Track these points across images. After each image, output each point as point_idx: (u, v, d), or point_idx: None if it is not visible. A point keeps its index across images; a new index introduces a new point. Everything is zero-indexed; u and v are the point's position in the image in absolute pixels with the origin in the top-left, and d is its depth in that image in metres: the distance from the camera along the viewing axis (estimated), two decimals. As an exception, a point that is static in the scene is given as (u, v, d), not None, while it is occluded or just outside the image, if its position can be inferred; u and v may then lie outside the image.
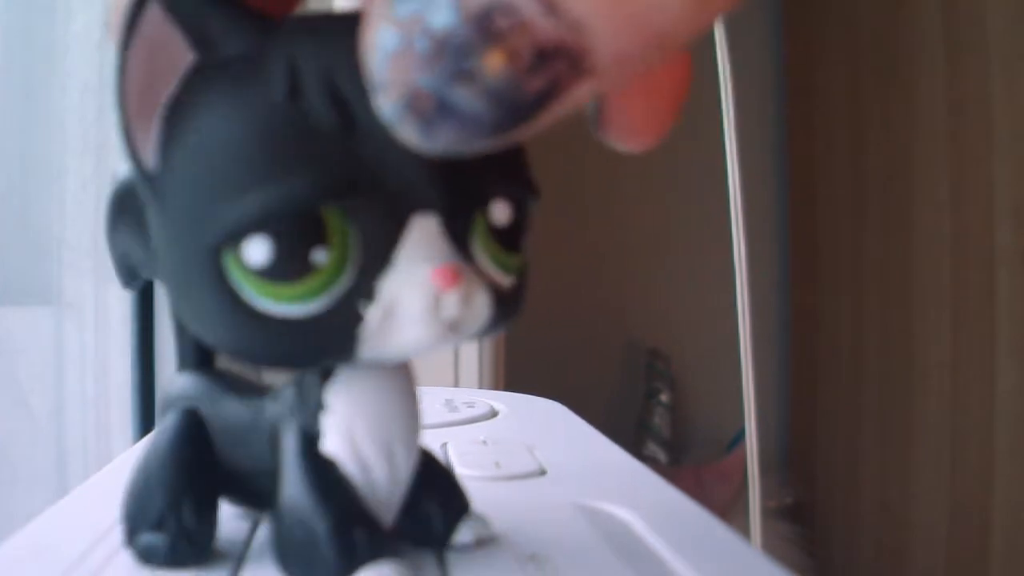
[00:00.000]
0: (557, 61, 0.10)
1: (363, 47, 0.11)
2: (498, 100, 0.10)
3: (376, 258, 0.12)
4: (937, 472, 0.88)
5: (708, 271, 0.88)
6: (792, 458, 1.15)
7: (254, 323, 0.12)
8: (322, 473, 0.14)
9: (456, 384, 0.58)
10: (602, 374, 1.14)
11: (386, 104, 0.11)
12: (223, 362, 0.18)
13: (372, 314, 0.12)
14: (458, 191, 0.12)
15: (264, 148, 0.12)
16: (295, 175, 0.12)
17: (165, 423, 0.16)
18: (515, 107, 0.10)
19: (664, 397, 1.11)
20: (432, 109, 0.10)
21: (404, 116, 0.11)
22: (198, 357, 0.17)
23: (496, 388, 0.59)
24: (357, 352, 0.12)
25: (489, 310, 0.13)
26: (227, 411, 0.16)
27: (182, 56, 0.12)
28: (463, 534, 0.16)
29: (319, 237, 0.12)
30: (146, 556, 0.15)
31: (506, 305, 0.13)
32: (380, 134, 0.11)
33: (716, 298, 0.74)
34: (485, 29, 0.10)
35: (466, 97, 0.10)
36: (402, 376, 0.15)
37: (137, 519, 0.15)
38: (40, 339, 0.54)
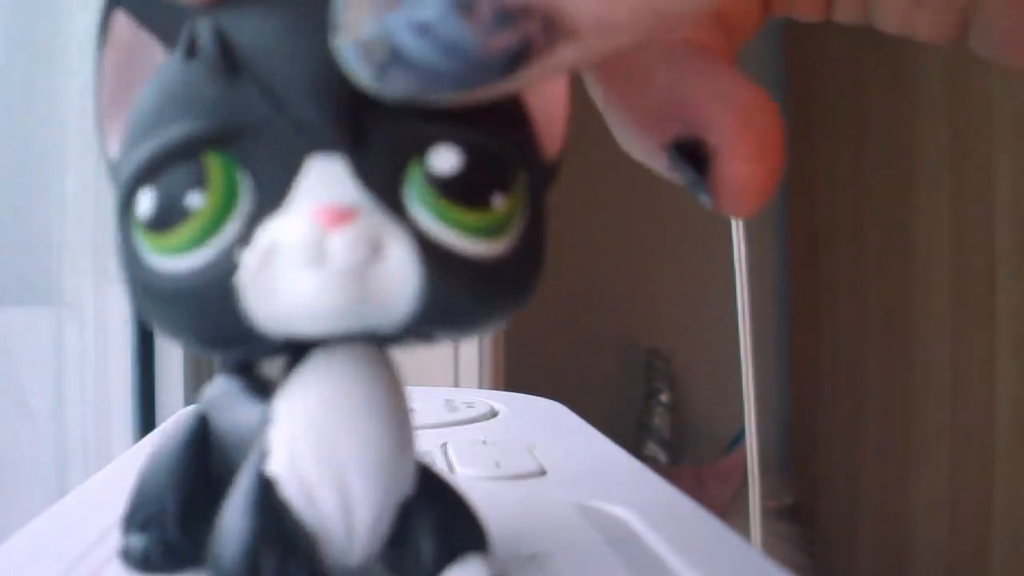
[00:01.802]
0: (526, 21, 0.10)
1: None
2: (455, 55, 0.10)
3: (267, 204, 0.11)
4: (937, 472, 0.88)
5: (708, 271, 0.88)
6: (792, 458, 1.15)
7: (150, 284, 0.12)
8: (259, 492, 0.12)
9: (456, 384, 0.58)
10: (602, 374, 1.14)
11: (341, 46, 0.10)
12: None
13: (248, 258, 0.11)
14: (375, 131, 0.11)
15: (157, 104, 0.12)
16: (173, 124, 0.11)
17: (177, 423, 0.16)
18: (477, 65, 0.10)
19: (664, 397, 1.11)
20: (385, 55, 0.10)
21: (358, 60, 0.10)
22: (239, 361, 0.17)
23: (496, 388, 0.59)
24: (242, 311, 0.11)
25: (416, 271, 0.11)
26: (236, 416, 0.15)
27: (157, 56, 0.12)
28: None
29: (195, 182, 0.11)
30: (124, 556, 0.15)
31: (489, 279, 0.12)
32: (271, 70, 0.11)
33: (716, 298, 0.74)
34: None
35: (421, 48, 0.10)
36: (375, 382, 0.13)
37: (130, 519, 0.15)
38: (40, 339, 0.54)
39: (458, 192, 0.11)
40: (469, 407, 0.32)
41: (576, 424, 0.30)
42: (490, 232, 0.12)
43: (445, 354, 0.58)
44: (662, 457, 1.09)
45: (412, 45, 0.10)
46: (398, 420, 0.13)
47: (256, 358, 0.14)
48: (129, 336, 0.54)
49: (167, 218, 0.11)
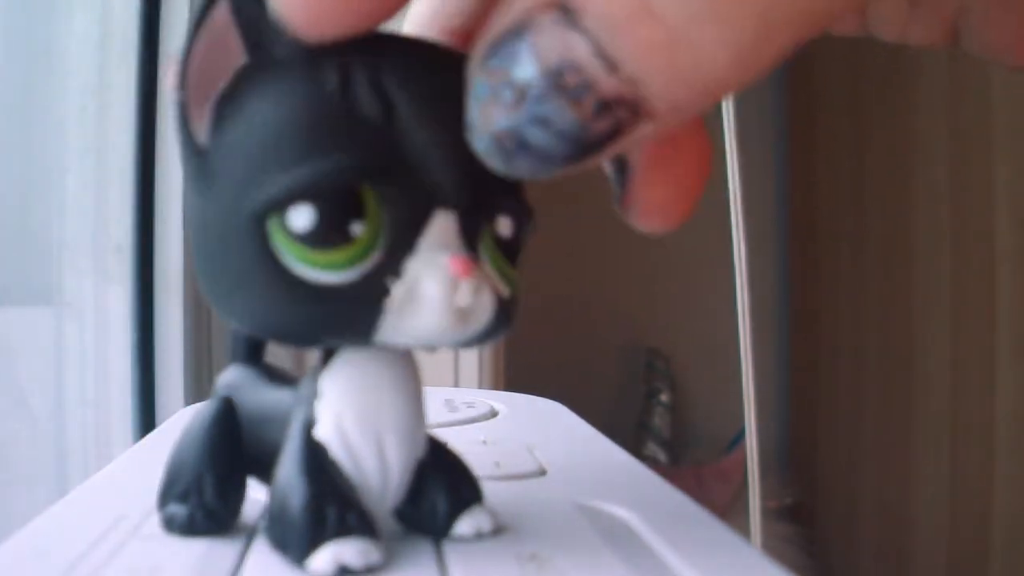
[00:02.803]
0: (618, 109, 0.12)
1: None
2: (567, 139, 0.12)
3: (402, 241, 0.13)
4: (937, 472, 0.88)
5: (708, 271, 0.88)
6: (792, 458, 1.15)
7: (290, 288, 0.13)
8: (310, 455, 0.15)
9: (456, 384, 0.58)
10: (602, 374, 1.14)
11: (476, 139, 0.13)
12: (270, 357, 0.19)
13: (397, 289, 0.13)
14: (475, 198, 0.14)
15: (314, 128, 0.13)
16: (342, 152, 0.13)
17: (203, 408, 0.18)
18: (582, 145, 0.12)
19: (664, 397, 1.11)
20: (513, 146, 0.12)
21: (491, 150, 0.13)
22: (248, 351, 0.19)
23: (496, 388, 0.59)
24: (378, 328, 0.14)
25: (493, 310, 0.14)
26: (259, 399, 0.17)
27: (236, 56, 0.13)
28: (462, 526, 0.16)
29: (358, 210, 0.13)
30: (168, 524, 0.17)
31: (504, 314, 0.15)
32: (417, 133, 0.13)
33: (716, 298, 0.74)
34: (557, 84, 0.12)
35: (541, 136, 0.12)
36: (401, 368, 0.16)
37: (167, 490, 0.17)
38: (40, 339, 0.54)
39: (509, 252, 0.15)
40: (469, 407, 0.32)
41: (576, 424, 0.30)
42: (512, 280, 0.15)
43: (445, 354, 0.58)
44: (662, 457, 1.09)
45: (534, 134, 0.12)
46: (417, 394, 0.16)
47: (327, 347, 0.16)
48: (129, 336, 0.54)
49: (328, 238, 0.13)
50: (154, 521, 0.17)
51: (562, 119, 0.12)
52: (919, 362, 0.91)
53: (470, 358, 0.59)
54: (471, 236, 0.14)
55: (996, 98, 0.79)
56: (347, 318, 0.14)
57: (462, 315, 0.14)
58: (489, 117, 0.12)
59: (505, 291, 0.15)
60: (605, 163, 0.17)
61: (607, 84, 0.12)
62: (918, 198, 0.91)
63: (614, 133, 0.12)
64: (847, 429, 1.04)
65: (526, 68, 0.12)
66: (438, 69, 0.14)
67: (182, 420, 0.22)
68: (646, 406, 1.11)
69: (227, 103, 0.14)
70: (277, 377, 0.18)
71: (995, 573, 0.79)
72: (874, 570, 0.97)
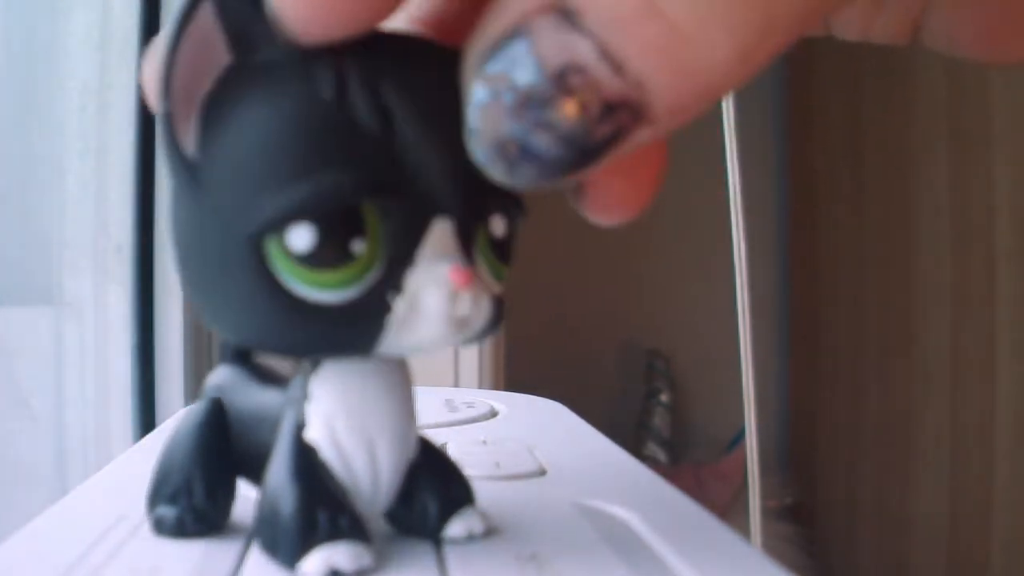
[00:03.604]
0: (622, 112, 0.12)
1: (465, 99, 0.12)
2: (571, 145, 0.12)
3: (402, 254, 0.13)
4: (937, 472, 0.88)
5: (708, 271, 0.88)
6: (792, 458, 1.15)
7: (290, 307, 0.13)
8: (301, 457, 0.15)
9: (456, 384, 0.58)
10: (602, 374, 1.14)
11: (478, 148, 0.12)
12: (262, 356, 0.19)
13: (399, 305, 0.13)
14: (470, 201, 0.14)
15: (311, 142, 0.13)
16: (342, 170, 0.13)
17: (192, 409, 0.18)
18: (585, 151, 0.12)
19: (664, 397, 1.11)
20: (516, 153, 0.12)
21: (493, 158, 0.12)
22: (238, 350, 0.19)
23: (496, 388, 0.59)
24: (380, 342, 0.13)
25: (490, 313, 0.14)
26: (248, 399, 0.17)
27: (220, 57, 0.13)
28: (454, 527, 0.16)
29: (359, 229, 0.13)
30: (157, 526, 0.17)
31: (498, 312, 0.15)
32: (414, 143, 0.13)
33: (716, 298, 0.74)
34: (562, 86, 0.11)
35: (545, 142, 0.12)
36: (391, 371, 0.15)
37: (156, 492, 0.17)
38: (40, 339, 0.54)
39: (502, 251, 0.15)
40: (469, 407, 0.32)
41: (576, 424, 0.30)
42: (502, 278, 0.15)
43: (445, 354, 0.58)
44: (662, 457, 1.09)
45: (538, 141, 0.12)
46: (408, 396, 0.16)
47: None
48: (129, 336, 0.54)
49: (329, 258, 0.13)
50: (154, 521, 0.17)
51: (567, 123, 0.12)
52: (919, 362, 0.91)
53: (470, 358, 0.59)
54: (467, 240, 0.14)
55: (996, 98, 0.79)
56: (349, 336, 0.13)
57: (461, 323, 0.14)
58: (492, 123, 0.12)
59: (496, 290, 0.15)
60: None
61: (612, 85, 0.11)
62: (918, 198, 0.91)
63: (615, 138, 0.12)
64: (847, 429, 1.04)
65: (528, 71, 0.12)
66: (433, 70, 0.13)
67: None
68: (646, 406, 1.11)
69: (214, 109, 0.13)
70: (267, 377, 0.18)
71: (995, 573, 0.79)
72: (874, 570, 0.97)
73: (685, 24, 0.11)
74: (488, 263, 0.14)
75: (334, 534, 0.14)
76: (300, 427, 0.15)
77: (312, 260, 0.13)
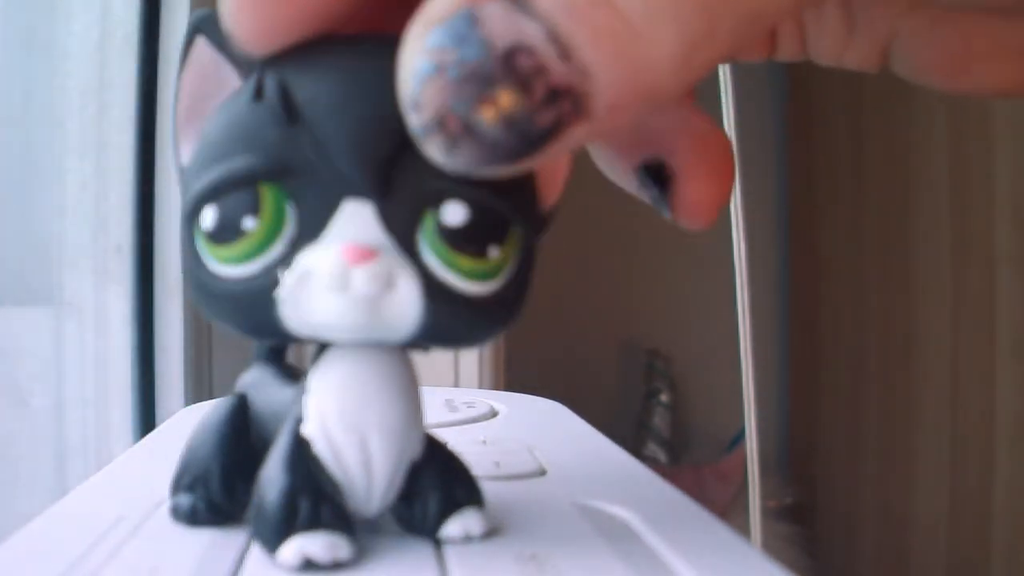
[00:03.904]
0: (564, 101, 0.12)
1: (399, 72, 0.12)
2: (512, 127, 0.12)
3: (306, 234, 0.14)
4: (937, 472, 0.88)
5: (708, 271, 0.88)
6: (792, 458, 1.15)
7: (208, 281, 0.14)
8: (294, 450, 0.15)
9: (456, 384, 0.58)
10: (602, 374, 1.14)
11: (416, 122, 0.12)
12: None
13: (287, 278, 0.14)
14: (399, 185, 0.14)
15: (226, 136, 0.14)
16: (238, 156, 0.14)
17: (219, 403, 0.19)
18: (527, 137, 0.12)
19: (664, 397, 1.11)
20: (457, 129, 0.12)
21: (432, 134, 0.12)
22: (268, 351, 0.20)
23: (496, 388, 0.59)
24: (279, 318, 0.14)
25: (420, 304, 0.14)
26: (269, 397, 0.18)
27: (231, 80, 0.15)
28: (451, 528, 0.16)
29: (251, 208, 0.14)
30: (174, 512, 0.17)
31: (479, 312, 0.14)
32: (322, 129, 0.14)
33: (716, 298, 0.74)
34: (508, 65, 0.12)
35: (486, 121, 0.12)
36: (391, 367, 0.15)
37: (178, 480, 0.18)
38: (40, 339, 0.54)
39: (461, 242, 0.14)
40: (469, 407, 0.32)
41: (576, 424, 0.30)
42: (484, 276, 0.14)
43: (445, 354, 0.58)
44: (662, 457, 1.09)
45: (479, 119, 0.12)
46: (409, 394, 0.16)
47: (290, 343, 0.17)
48: (129, 336, 0.54)
49: (226, 234, 0.14)
50: (154, 521, 0.17)
51: (510, 104, 0.12)
52: (919, 362, 0.91)
53: (470, 358, 0.59)
54: (403, 226, 0.14)
55: (996, 98, 0.79)
56: (247, 309, 0.14)
57: (368, 304, 0.13)
58: (434, 95, 0.12)
59: (472, 287, 0.14)
60: (642, 187, 0.18)
61: (559, 70, 0.11)
62: (918, 199, 0.91)
63: (554, 129, 0.12)
64: (847, 429, 1.04)
65: (475, 48, 0.12)
66: (354, 62, 0.14)
67: (182, 420, 0.22)
68: (646, 406, 1.11)
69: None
70: (293, 376, 0.18)
71: (995, 573, 0.79)
72: (874, 570, 0.97)
73: (633, 15, 0.11)
74: (438, 252, 0.14)
75: (313, 524, 0.14)
76: (299, 421, 0.15)
77: (214, 236, 0.14)
